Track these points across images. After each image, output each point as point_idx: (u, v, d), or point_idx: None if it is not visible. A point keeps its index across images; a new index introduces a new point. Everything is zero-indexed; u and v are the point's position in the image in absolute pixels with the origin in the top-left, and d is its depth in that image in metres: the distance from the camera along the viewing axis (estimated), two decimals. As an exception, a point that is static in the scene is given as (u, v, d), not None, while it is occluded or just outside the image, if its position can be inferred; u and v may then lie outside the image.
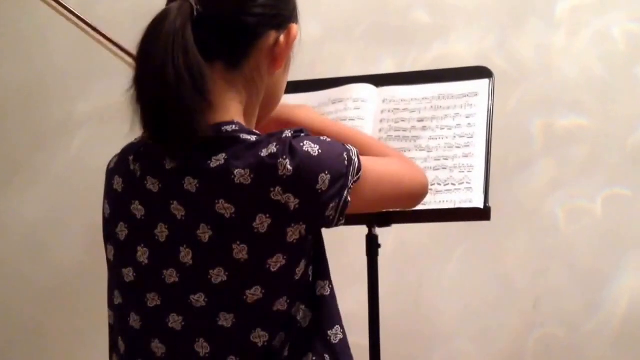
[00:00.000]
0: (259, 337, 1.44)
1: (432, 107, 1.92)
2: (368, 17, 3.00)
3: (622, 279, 2.89)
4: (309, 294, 1.50)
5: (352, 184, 1.45)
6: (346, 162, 1.44)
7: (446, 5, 2.97)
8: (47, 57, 3.19)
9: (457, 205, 1.83)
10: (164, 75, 1.38)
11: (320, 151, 1.42)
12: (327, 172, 1.41)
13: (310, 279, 1.50)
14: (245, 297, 1.42)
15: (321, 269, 1.52)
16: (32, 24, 3.18)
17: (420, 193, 1.65)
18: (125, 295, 1.53)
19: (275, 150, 1.39)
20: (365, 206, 1.54)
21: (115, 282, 1.55)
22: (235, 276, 1.42)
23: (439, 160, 1.88)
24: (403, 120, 1.92)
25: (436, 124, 1.91)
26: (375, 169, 1.52)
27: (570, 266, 2.91)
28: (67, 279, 3.15)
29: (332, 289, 1.53)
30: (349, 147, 1.47)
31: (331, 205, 1.42)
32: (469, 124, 1.89)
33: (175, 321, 1.47)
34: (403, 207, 1.74)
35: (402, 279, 2.93)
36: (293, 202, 1.39)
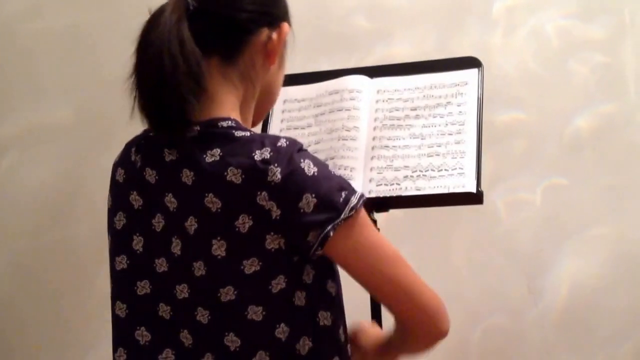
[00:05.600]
0: (232, 341, 1.46)
1: (424, 96, 1.97)
2: (309, 24, 3.01)
3: (561, 265, 2.98)
4: (310, 323, 1.49)
5: (342, 222, 1.44)
6: (342, 199, 1.44)
7: (385, 10, 3.02)
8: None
9: (451, 190, 1.87)
10: (161, 62, 1.43)
11: (316, 173, 1.43)
12: (313, 195, 1.42)
13: (301, 303, 1.48)
14: (219, 294, 1.45)
15: (327, 301, 1.52)
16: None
17: (433, 306, 1.51)
18: (115, 283, 1.56)
19: (268, 156, 1.42)
20: (348, 258, 1.49)
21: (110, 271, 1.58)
22: (213, 272, 1.45)
23: (432, 147, 1.91)
24: (397, 110, 1.96)
25: (429, 112, 1.95)
26: (375, 232, 1.50)
27: (513, 256, 2.98)
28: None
29: (334, 320, 1.52)
30: (357, 190, 1.47)
31: (311, 233, 1.43)
32: (460, 111, 1.93)
33: (164, 310, 1.50)
34: (405, 313, 1.53)
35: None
36: (275, 211, 1.42)
